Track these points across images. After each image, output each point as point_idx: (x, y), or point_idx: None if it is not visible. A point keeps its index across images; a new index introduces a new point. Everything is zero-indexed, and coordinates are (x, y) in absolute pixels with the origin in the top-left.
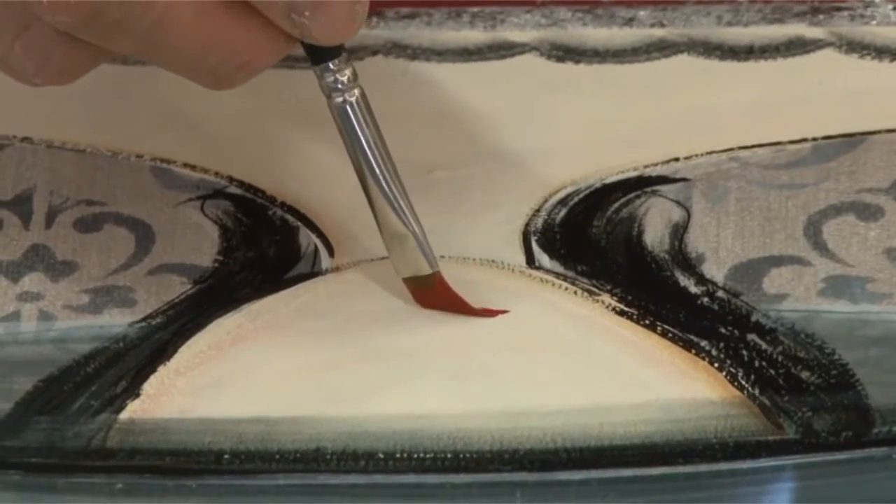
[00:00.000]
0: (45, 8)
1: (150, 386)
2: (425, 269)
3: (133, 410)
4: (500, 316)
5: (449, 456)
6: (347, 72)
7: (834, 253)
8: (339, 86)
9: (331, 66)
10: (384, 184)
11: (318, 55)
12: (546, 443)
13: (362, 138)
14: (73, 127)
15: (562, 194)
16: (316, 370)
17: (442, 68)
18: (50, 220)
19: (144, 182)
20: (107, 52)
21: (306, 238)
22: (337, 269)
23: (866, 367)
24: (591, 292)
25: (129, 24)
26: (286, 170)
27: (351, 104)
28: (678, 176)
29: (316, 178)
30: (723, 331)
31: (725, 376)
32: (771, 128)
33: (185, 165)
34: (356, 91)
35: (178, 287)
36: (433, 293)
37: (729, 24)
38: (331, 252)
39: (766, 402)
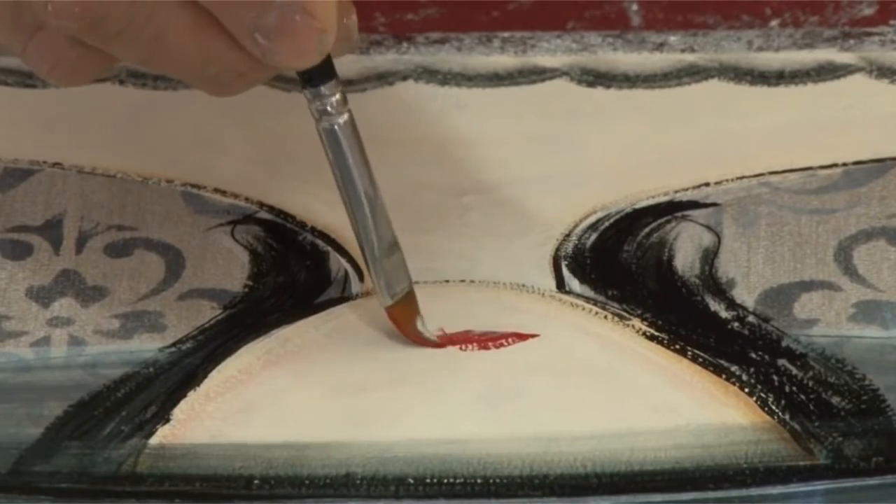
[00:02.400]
0: (49, 14)
1: (180, 411)
2: (407, 286)
3: (163, 435)
4: (530, 340)
5: (479, 481)
6: (337, 96)
7: (864, 278)
8: (329, 109)
9: (321, 90)
10: (367, 207)
11: (307, 78)
12: (576, 468)
13: (350, 162)
14: (103, 152)
15: (592, 219)
16: (346, 395)
17: (472, 93)
18: (80, 245)
19: (175, 207)
20: (113, 58)
21: (336, 263)
22: (367, 294)
23: None
24: (621, 317)
25: (130, 34)
26: (316, 195)
27: (340, 126)
28: (709, 201)
29: None
30: (753, 356)
31: (756, 401)
32: (801, 153)
33: (216, 191)
34: (345, 115)
35: (208, 312)
36: (403, 309)
37: (759, 49)
38: (361, 277)
39: (797, 427)
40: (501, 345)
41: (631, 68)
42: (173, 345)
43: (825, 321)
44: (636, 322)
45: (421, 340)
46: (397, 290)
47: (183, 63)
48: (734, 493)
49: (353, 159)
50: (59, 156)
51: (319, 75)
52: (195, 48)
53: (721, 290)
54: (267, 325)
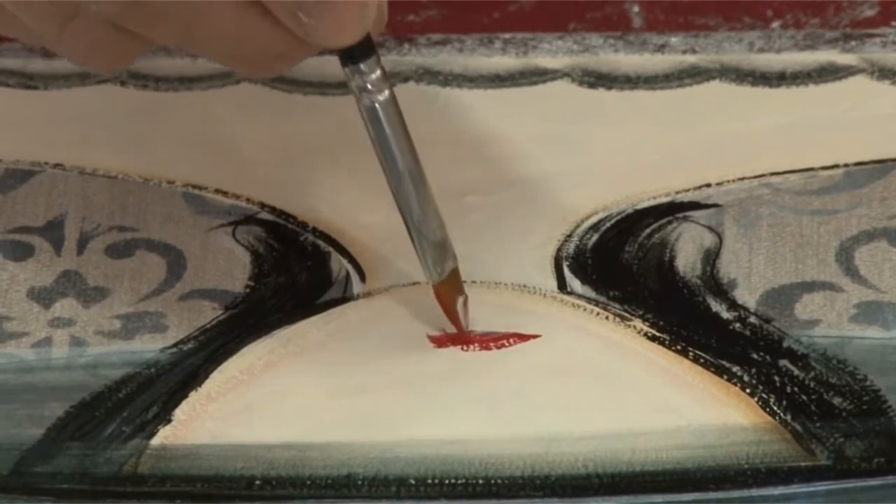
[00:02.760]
0: None
1: (181, 411)
2: (452, 262)
3: (165, 436)
4: (531, 341)
5: (480, 482)
6: (377, 72)
7: (866, 279)
8: (369, 86)
9: (361, 67)
10: (410, 184)
11: (348, 55)
12: (578, 468)
13: (391, 140)
14: (104, 153)
15: (593, 220)
16: (347, 395)
17: (474, 94)
18: (81, 246)
19: (176, 208)
20: (150, 40)
21: (338, 263)
22: (368, 295)
23: None
24: (622, 317)
25: (169, 14)
26: (318, 195)
27: (381, 103)
28: (710, 202)
29: (347, 203)
30: (755, 356)
31: (757, 402)
32: (803, 154)
33: (217, 191)
34: (385, 92)
35: (209, 313)
36: (454, 293)
37: (761, 50)
38: (362, 277)
39: (798, 427)
40: (503, 345)
41: (632, 69)
42: (175, 345)
43: (827, 322)
44: (637, 323)
45: (457, 323)
46: (444, 268)
47: (223, 44)
48: (735, 493)
49: (395, 136)
50: (61, 157)
51: (359, 52)
52: (234, 29)
53: (722, 291)
54: (268, 325)
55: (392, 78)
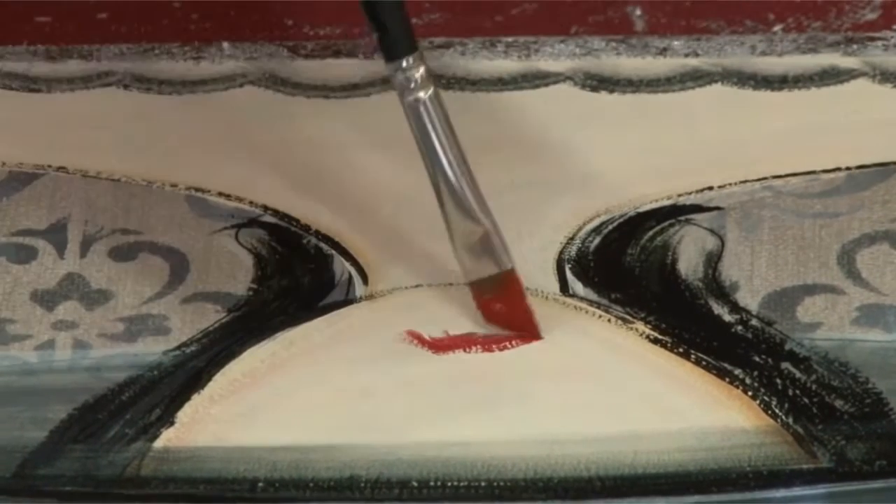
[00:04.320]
0: None
1: (184, 414)
2: (495, 268)
3: (167, 438)
4: (533, 343)
5: (483, 484)
6: (421, 70)
7: (868, 282)
8: (412, 84)
9: (403, 63)
10: (455, 183)
11: (392, 52)
12: (580, 471)
13: (434, 137)
14: (107, 156)
15: (596, 223)
16: (350, 398)
17: (476, 97)
18: (85, 248)
19: (179, 211)
20: None
21: (340, 266)
22: (371, 297)
23: None
24: (624, 320)
25: None
26: (320, 199)
27: (423, 102)
28: (712, 205)
29: (350, 206)
30: (757, 359)
31: (759, 404)
32: (805, 157)
33: (220, 194)
34: (430, 90)
35: (212, 315)
36: (502, 296)
37: (763, 53)
38: (365, 280)
39: (800, 430)
40: (505, 347)
41: (634, 73)
42: (177, 348)
43: (828, 325)
44: (639, 325)
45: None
46: (502, 262)
47: None
48: (737, 496)
49: (438, 135)
50: (64, 160)
51: (402, 47)
52: None
53: (724, 294)
54: (271, 328)
55: None
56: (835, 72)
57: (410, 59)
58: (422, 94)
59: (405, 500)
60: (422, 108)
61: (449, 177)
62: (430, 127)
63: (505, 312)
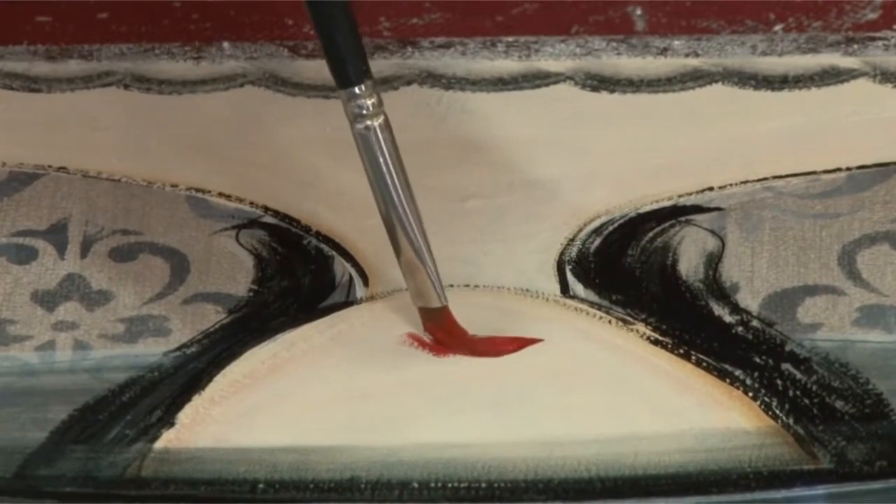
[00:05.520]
0: None
1: (184, 415)
2: (434, 303)
3: (168, 440)
4: (534, 345)
5: (483, 485)
6: (373, 98)
7: (868, 282)
8: (364, 111)
9: (356, 91)
10: (401, 212)
11: (344, 79)
12: (580, 472)
13: (382, 165)
14: (108, 156)
15: (596, 223)
16: (350, 399)
17: (477, 97)
18: (85, 249)
19: (180, 211)
20: None
21: (341, 268)
22: (371, 299)
23: None
24: (625, 321)
25: None
26: (321, 199)
27: (374, 130)
28: (713, 205)
29: (351, 207)
30: (757, 360)
31: (760, 405)
32: (805, 157)
33: (221, 195)
34: (381, 118)
35: (212, 316)
36: (441, 328)
37: (763, 53)
38: (365, 281)
39: (801, 431)
40: (505, 350)
41: (635, 73)
42: (178, 349)
43: (829, 325)
44: (640, 326)
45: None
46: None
47: None
48: (738, 497)
49: (388, 164)
50: (64, 160)
51: (355, 75)
52: None
53: (725, 295)
54: (271, 329)
55: (395, 81)
56: (835, 72)
57: (363, 87)
58: (372, 122)
59: (406, 501)
60: (372, 137)
61: (396, 206)
62: (379, 156)
63: (449, 340)
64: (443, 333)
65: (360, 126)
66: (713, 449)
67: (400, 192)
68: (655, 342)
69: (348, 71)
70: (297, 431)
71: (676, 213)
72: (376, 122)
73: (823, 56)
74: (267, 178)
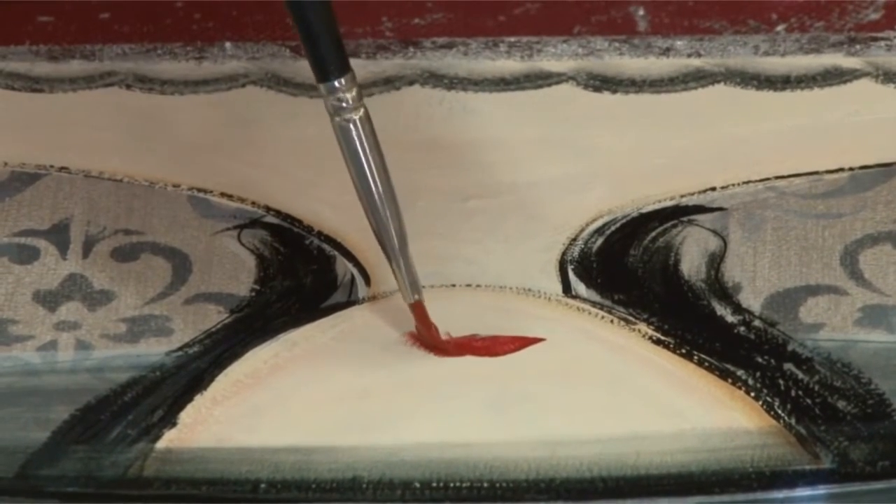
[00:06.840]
0: None
1: (186, 415)
2: (407, 299)
3: (170, 439)
4: (536, 344)
5: (485, 485)
6: (353, 91)
7: (871, 282)
8: (344, 105)
9: (336, 84)
10: (379, 206)
11: (323, 72)
12: (582, 472)
13: (363, 159)
14: (110, 156)
15: (598, 223)
16: (353, 399)
17: (478, 98)
18: (87, 249)
19: (181, 211)
20: None
21: (343, 267)
22: (373, 298)
23: None
24: (627, 321)
25: None
26: (323, 199)
27: (354, 122)
28: (715, 205)
29: (353, 207)
30: (759, 360)
31: (762, 405)
32: (807, 157)
33: (223, 195)
34: (361, 111)
35: (214, 316)
36: (417, 320)
37: (766, 54)
38: (367, 281)
39: (803, 431)
40: (508, 350)
41: (637, 73)
42: (180, 349)
43: (831, 325)
44: (642, 326)
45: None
46: (420, 287)
47: None
48: (740, 497)
49: (367, 156)
50: (66, 160)
51: (334, 68)
52: None
53: (727, 295)
54: (273, 329)
55: (397, 81)
56: (838, 72)
57: (343, 81)
58: (353, 115)
59: (408, 500)
60: (352, 129)
61: (375, 199)
62: (359, 149)
63: (423, 334)
64: (420, 326)
65: (339, 119)
66: (715, 449)
67: (379, 185)
68: (657, 342)
69: (327, 65)
70: (299, 431)
71: (678, 213)
72: (356, 116)
73: (826, 56)
74: (269, 178)
